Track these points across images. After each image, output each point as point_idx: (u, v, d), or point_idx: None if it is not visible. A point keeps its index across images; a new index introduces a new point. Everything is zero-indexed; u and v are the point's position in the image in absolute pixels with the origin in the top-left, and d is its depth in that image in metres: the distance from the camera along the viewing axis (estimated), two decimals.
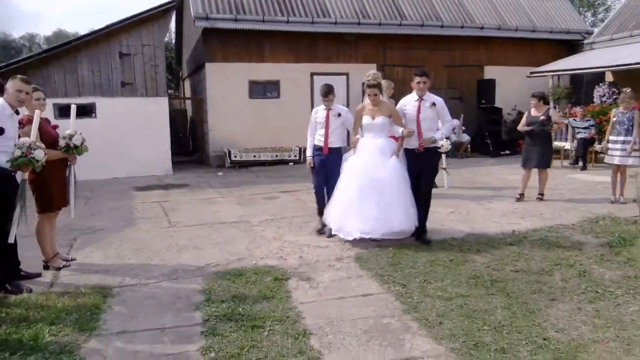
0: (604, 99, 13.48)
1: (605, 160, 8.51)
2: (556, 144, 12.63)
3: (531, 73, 14.92)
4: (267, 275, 4.88)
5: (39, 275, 5.03)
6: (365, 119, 5.94)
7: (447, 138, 9.18)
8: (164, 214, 7.83)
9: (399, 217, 5.68)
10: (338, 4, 14.16)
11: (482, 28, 15.09)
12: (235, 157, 13.31)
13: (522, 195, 8.22)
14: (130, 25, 11.74)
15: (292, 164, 13.49)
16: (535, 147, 8.09)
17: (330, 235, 6.16)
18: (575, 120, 12.28)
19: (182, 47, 19.66)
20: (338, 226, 5.91)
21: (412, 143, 5.91)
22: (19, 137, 4.58)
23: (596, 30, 16.18)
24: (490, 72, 15.64)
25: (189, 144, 17.27)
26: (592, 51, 15.17)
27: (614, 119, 8.02)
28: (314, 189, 6.55)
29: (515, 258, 5.29)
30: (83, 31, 56.39)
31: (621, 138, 7.86)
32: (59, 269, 5.21)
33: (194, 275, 5.03)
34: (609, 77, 14.58)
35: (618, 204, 7.67)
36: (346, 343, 3.56)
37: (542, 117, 8.03)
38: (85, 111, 11.23)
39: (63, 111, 10.11)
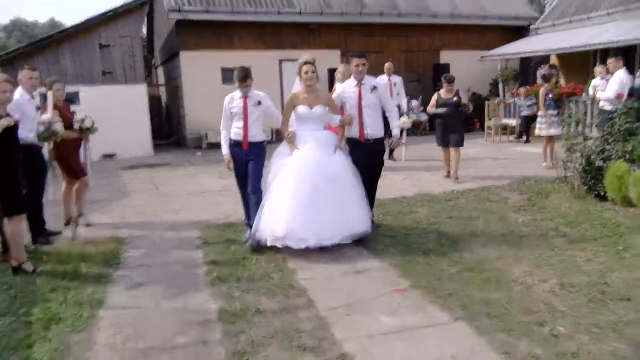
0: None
1: (537, 133, 9.82)
2: (503, 120, 14.07)
3: (482, 57, 16.25)
4: None
5: (59, 232, 6.06)
6: (302, 109, 5.24)
7: (406, 114, 10.43)
8: (154, 187, 8.87)
9: (357, 216, 5.13)
10: None
11: (436, 16, 16.32)
12: (211, 139, 14.28)
13: (449, 172, 8.49)
14: (108, 19, 12.59)
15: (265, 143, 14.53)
16: (451, 128, 8.19)
17: (257, 247, 5.09)
18: (520, 99, 13.66)
19: (154, 36, 20.36)
20: (285, 232, 4.87)
21: (354, 132, 5.48)
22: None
23: (541, 16, 17.59)
24: (445, 56, 16.93)
25: (165, 128, 18.13)
26: (537, 36, 16.57)
27: (548, 95, 9.26)
28: (240, 194, 5.59)
29: (450, 209, 6.56)
30: (42, 19, 55.67)
31: (550, 112, 9.16)
32: (76, 225, 6.21)
33: (190, 228, 6.16)
34: (553, 60, 16.05)
35: (547, 169, 8.99)
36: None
37: (455, 99, 8.24)
38: (70, 99, 12.04)
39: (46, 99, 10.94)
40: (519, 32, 17.58)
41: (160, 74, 20.11)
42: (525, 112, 13.21)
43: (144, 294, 4.28)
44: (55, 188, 5.99)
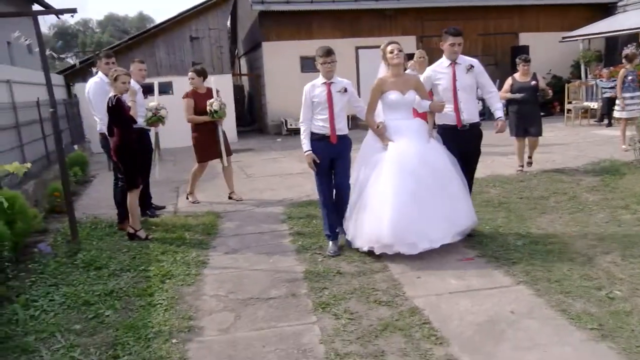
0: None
1: (615, 115, 9.66)
2: (585, 103, 13.75)
3: (563, 38, 15.84)
4: None
5: (164, 207, 6.90)
6: (393, 95, 4.64)
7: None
8: (240, 170, 9.63)
9: (464, 209, 4.68)
10: None
11: None
12: (290, 125, 15.01)
13: (522, 166, 7.89)
14: (198, 12, 13.55)
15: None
16: (528, 116, 7.68)
17: (333, 252, 4.76)
18: (602, 80, 13.30)
19: (237, 28, 21.36)
20: (394, 238, 4.39)
21: (450, 119, 4.90)
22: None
23: None
24: (524, 38, 16.62)
25: (248, 116, 19.12)
26: (624, 13, 15.91)
27: (628, 77, 9.12)
28: (321, 199, 4.97)
29: (521, 190, 6.78)
30: (132, 13, 59.10)
31: (629, 94, 9.01)
32: (194, 202, 7.13)
33: (275, 205, 6.82)
34: None
35: (626, 152, 8.88)
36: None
37: (533, 83, 7.64)
38: (164, 89, 13.14)
39: (145, 89, 12.05)
40: (605, 10, 16.91)
41: (243, 64, 21.10)
42: (607, 94, 12.87)
43: (240, 258, 4.95)
44: (159, 168, 6.80)
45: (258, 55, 15.90)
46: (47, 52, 5.68)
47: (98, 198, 7.87)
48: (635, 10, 15.30)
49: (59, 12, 4.94)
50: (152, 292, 4.17)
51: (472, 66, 4.91)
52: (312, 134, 4.80)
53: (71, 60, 52.63)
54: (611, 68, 13.87)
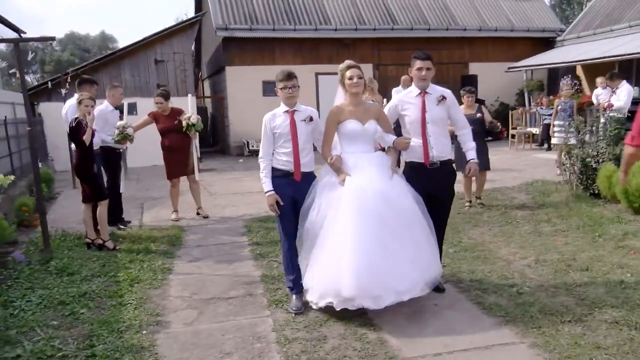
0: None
1: (552, 142, 10.61)
2: (527, 129, 14.81)
3: (509, 68, 17.01)
4: None
5: (129, 221, 7.31)
6: (352, 125, 4.09)
7: None
8: (203, 188, 10.04)
9: (431, 256, 4.05)
10: (338, 13, 16.35)
11: (465, 29, 17.19)
12: (252, 146, 15.54)
13: (470, 202, 7.46)
14: (163, 37, 14.05)
15: None
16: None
17: (298, 308, 4.10)
18: (542, 108, 14.39)
19: (201, 51, 21.89)
20: (355, 291, 3.69)
21: (417, 155, 4.29)
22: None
23: (567, 28, 18.21)
24: (474, 68, 17.75)
25: (211, 137, 19.57)
26: (562, 47, 17.22)
27: (558, 107, 10.10)
28: (285, 246, 4.30)
29: (460, 206, 7.48)
30: (93, 32, 58.94)
31: (562, 122, 9.94)
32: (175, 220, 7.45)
33: (236, 220, 7.32)
34: (579, 70, 16.67)
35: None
36: None
37: (479, 115, 7.34)
38: (129, 109, 13.49)
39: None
40: (546, 43, 18.23)
41: (206, 86, 21.59)
42: (546, 121, 13.91)
43: (203, 265, 5.43)
44: (124, 184, 7.17)
45: (221, 79, 16.46)
46: (11, 70, 6.07)
47: (64, 214, 8.18)
48: (573, 45, 16.61)
49: (39, 40, 5.36)
50: (122, 294, 4.61)
51: (444, 97, 4.29)
52: (274, 170, 4.18)
53: (29, 79, 51.91)
54: (550, 97, 15.01)
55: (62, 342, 3.72)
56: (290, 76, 4.10)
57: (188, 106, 7.41)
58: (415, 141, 4.27)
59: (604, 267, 4.68)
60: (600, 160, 7.11)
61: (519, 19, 18.18)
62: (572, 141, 9.72)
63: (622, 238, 5.50)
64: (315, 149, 4.30)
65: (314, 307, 4.01)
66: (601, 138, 7.41)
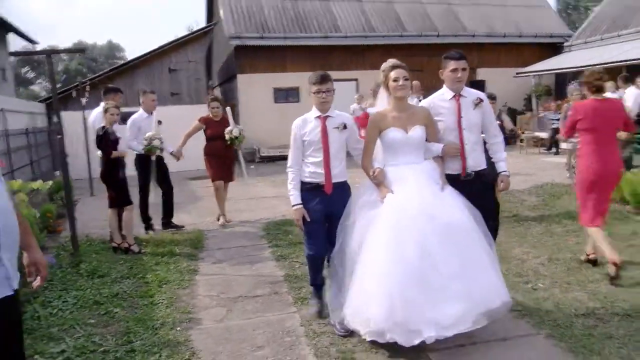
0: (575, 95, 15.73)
1: (561, 146, 10.78)
2: (535, 133, 14.98)
3: (517, 73, 17.20)
4: None
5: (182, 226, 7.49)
6: (394, 134, 3.71)
7: None
8: None
9: (492, 283, 3.45)
10: (348, 21, 16.63)
11: (473, 36, 17.43)
12: (263, 153, 15.80)
13: None
14: (178, 46, 14.41)
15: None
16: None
17: (344, 334, 3.69)
18: (550, 112, 14.55)
19: (212, 59, 22.23)
20: (387, 323, 3.27)
21: (453, 166, 3.93)
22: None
23: (575, 34, 18.39)
24: (482, 73, 17.92)
25: None
26: (570, 53, 17.40)
27: (567, 112, 10.26)
28: (310, 254, 4.01)
29: None
30: (100, 41, 59.56)
31: None
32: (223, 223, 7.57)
33: (254, 223, 7.55)
34: None
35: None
36: None
37: (498, 122, 6.73)
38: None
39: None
40: (554, 49, 18.42)
41: (217, 94, 21.91)
42: (554, 125, 14.08)
43: (227, 266, 5.66)
44: (155, 192, 7.33)
45: (233, 86, 16.74)
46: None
47: (84, 220, 8.40)
48: (580, 50, 16.78)
49: (69, 52, 5.64)
50: (153, 294, 4.83)
51: (480, 100, 3.96)
52: (302, 184, 3.87)
53: (36, 88, 52.46)
54: (558, 102, 15.16)
55: (101, 338, 3.94)
56: (324, 79, 3.78)
57: (229, 120, 7.50)
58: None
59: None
60: None
61: (527, 25, 18.40)
62: (564, 145, 9.99)
63: (631, 237, 5.68)
64: (347, 156, 3.98)
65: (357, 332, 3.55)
66: None
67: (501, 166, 4.10)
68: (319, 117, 3.83)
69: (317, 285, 4.14)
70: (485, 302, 3.32)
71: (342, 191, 3.85)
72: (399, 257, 3.29)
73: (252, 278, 5.19)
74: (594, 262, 4.88)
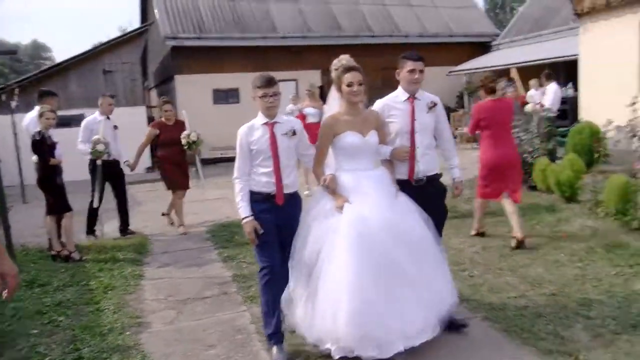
0: (502, 92, 16.56)
1: None
2: (466, 129, 15.62)
3: (450, 72, 17.86)
4: None
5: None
6: (352, 137, 3.54)
7: None
8: (160, 198, 10.17)
9: (445, 288, 3.51)
10: (285, 21, 16.73)
11: (407, 36, 17.95)
12: (205, 155, 15.62)
13: None
14: (112, 47, 13.98)
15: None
16: None
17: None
18: None
19: (147, 60, 21.73)
20: (356, 339, 3.17)
21: (404, 171, 3.84)
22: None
23: (502, 33, 19.30)
24: None
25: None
26: (498, 51, 18.26)
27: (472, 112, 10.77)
28: (263, 281, 3.57)
29: None
30: (25, 41, 56.73)
31: None
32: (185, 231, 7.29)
33: (199, 226, 7.53)
34: (513, 73, 17.71)
35: None
36: None
37: None
38: (76, 121, 13.35)
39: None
40: (484, 47, 19.25)
41: (153, 96, 21.45)
42: None
43: (173, 270, 5.65)
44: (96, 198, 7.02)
45: (170, 88, 16.47)
46: None
47: (19, 228, 8.04)
48: (507, 49, 17.65)
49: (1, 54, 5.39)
50: (98, 300, 4.78)
51: (434, 104, 3.90)
52: (253, 194, 3.56)
53: None
54: None
55: (46, 348, 3.88)
56: (271, 82, 3.50)
57: (185, 119, 7.35)
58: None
59: (541, 250, 5.26)
60: (535, 156, 7.76)
61: (457, 25, 19.12)
62: None
63: (556, 224, 6.13)
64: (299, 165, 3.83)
65: (319, 347, 3.37)
66: (535, 135, 8.06)
67: (455, 172, 4.09)
68: (266, 123, 3.53)
69: (272, 337, 3.56)
70: (440, 308, 3.37)
71: (294, 202, 3.63)
72: (363, 272, 3.18)
73: (200, 280, 5.21)
74: (482, 234, 5.94)
